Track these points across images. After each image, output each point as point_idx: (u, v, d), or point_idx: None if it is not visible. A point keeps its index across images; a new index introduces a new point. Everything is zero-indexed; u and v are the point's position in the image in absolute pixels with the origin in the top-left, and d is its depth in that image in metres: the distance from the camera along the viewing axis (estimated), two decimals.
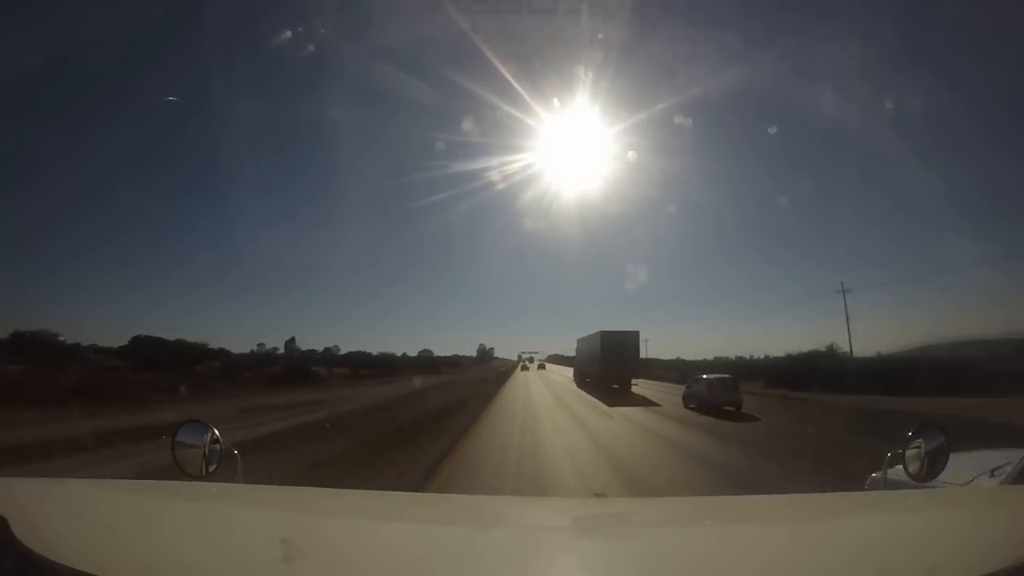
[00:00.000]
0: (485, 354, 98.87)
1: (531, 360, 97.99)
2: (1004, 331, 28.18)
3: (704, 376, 22.54)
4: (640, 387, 32.87)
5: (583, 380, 39.39)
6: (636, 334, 34.62)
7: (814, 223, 58.03)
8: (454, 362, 77.53)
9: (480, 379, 44.89)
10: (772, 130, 34.42)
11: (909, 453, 2.00)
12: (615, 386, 31.20)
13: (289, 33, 16.25)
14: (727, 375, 22.39)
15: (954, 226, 45.00)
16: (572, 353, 50.78)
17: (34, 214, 48.69)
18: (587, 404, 25.08)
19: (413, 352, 72.93)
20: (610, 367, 32.20)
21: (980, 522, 1.52)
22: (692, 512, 2.01)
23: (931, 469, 1.95)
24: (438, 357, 75.99)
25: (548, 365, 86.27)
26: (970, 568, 1.07)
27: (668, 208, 42.46)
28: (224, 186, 53.01)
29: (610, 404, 23.63)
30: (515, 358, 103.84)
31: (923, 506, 1.75)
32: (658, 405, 24.13)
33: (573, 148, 26.66)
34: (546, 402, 26.72)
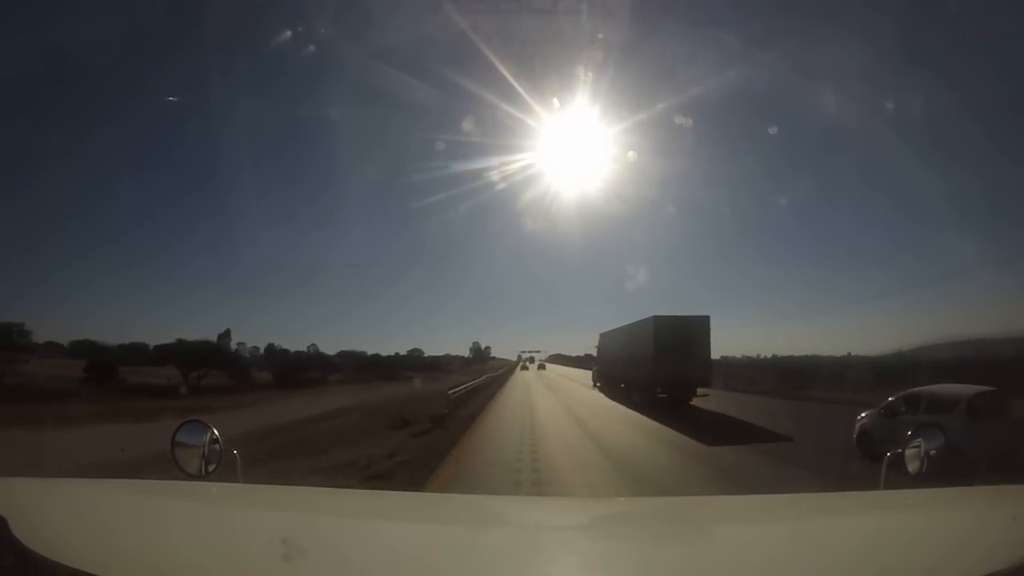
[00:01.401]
0: (480, 353, 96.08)
1: (531, 360, 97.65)
2: None
3: (933, 391, 10.17)
4: (707, 399, 21.21)
5: (609, 387, 28.94)
6: (706, 321, 21.97)
7: (815, 223, 58.02)
8: (442, 363, 67.05)
9: (449, 396, 20.27)
10: (773, 130, 34.13)
11: (909, 453, 1.99)
12: (662, 395, 21.00)
13: (289, 33, 16.26)
14: (989, 387, 9.88)
15: None
16: (575, 352, 46.19)
17: (34, 214, 48.54)
18: (666, 446, 12.50)
19: (404, 351, 70.35)
20: (670, 370, 20.58)
21: (980, 522, 1.51)
22: (692, 512, 2.01)
23: (931, 469, 1.95)
24: (427, 357, 69.31)
25: (549, 365, 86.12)
26: (970, 568, 1.07)
27: (668, 208, 42.07)
28: (224, 186, 52.86)
29: (707, 441, 12.50)
30: (515, 358, 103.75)
31: (923, 506, 1.75)
32: (787, 439, 12.69)
33: (573, 148, 26.40)
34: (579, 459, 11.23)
